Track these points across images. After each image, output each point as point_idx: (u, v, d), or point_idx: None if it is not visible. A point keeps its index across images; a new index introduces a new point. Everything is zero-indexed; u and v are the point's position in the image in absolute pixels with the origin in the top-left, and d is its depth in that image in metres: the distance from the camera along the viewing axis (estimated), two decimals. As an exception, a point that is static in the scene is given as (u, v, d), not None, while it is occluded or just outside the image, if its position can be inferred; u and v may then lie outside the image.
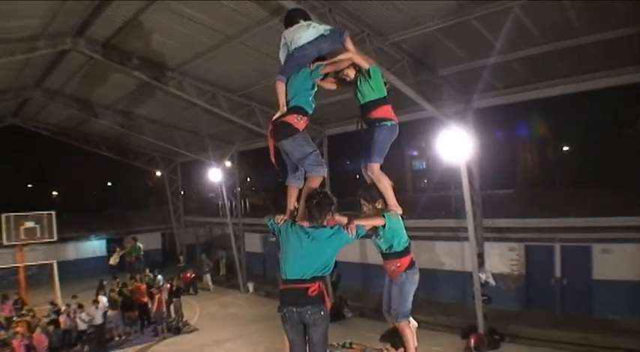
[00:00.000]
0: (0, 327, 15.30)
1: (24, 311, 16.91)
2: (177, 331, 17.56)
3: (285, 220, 4.32)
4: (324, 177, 4.41)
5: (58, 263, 20.21)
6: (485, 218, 15.41)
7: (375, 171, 4.51)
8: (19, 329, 14.26)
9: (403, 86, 11.66)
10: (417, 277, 4.58)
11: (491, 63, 11.46)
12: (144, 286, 18.67)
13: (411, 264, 4.55)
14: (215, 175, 23.69)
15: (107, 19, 11.84)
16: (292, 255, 4.11)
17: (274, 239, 4.41)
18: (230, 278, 25.93)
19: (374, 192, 4.56)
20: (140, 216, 32.94)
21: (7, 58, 12.29)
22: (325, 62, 4.41)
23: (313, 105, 4.36)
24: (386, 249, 4.54)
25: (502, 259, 16.61)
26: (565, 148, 26.23)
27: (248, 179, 37.63)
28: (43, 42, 12.42)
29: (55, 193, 44.08)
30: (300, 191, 4.41)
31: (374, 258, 4.29)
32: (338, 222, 4.21)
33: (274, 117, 4.31)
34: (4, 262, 20.95)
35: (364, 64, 4.46)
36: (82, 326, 15.85)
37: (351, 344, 5.00)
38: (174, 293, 18.48)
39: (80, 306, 16.13)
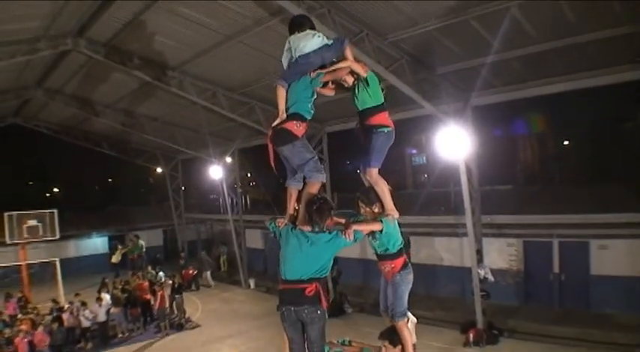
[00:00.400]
0: (4, 325, 15.41)
1: (28, 309, 17.08)
2: (179, 327, 17.67)
3: (286, 224, 4.45)
4: (323, 183, 4.53)
5: (60, 260, 20.33)
6: (485, 214, 15.57)
7: (373, 176, 4.63)
8: (23, 326, 14.38)
9: (402, 85, 11.76)
10: (410, 277, 4.72)
11: (489, 61, 11.54)
12: (146, 283, 18.81)
13: (405, 265, 4.70)
14: (216, 172, 23.80)
15: (108, 20, 11.93)
16: (291, 257, 4.26)
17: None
18: (231, 275, 26.07)
19: (372, 196, 4.68)
20: (141, 213, 33.08)
21: (9, 60, 12.38)
22: (325, 70, 4.50)
23: (312, 112, 4.47)
24: (381, 251, 4.69)
25: (501, 255, 16.75)
26: (565, 144, 26.24)
27: (248, 175, 37.74)
28: (44, 43, 12.52)
29: (56, 190, 44.18)
30: (300, 193, 4.53)
31: (374, 254, 4.42)
32: (336, 222, 4.35)
33: (274, 124, 4.42)
34: (7, 260, 21.11)
35: (362, 72, 4.56)
36: (85, 324, 16.01)
37: (350, 341, 5.12)
38: (176, 290, 18.56)
39: (83, 304, 16.28)
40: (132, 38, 12.87)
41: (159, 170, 31.37)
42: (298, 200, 4.51)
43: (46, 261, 20.62)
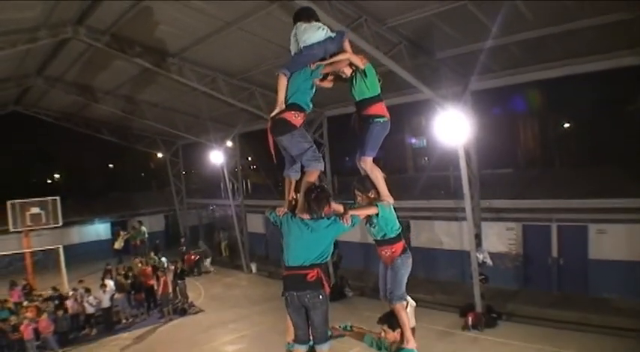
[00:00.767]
0: (10, 312, 15.60)
1: (33, 297, 17.26)
2: (182, 312, 17.91)
3: (285, 212, 4.56)
4: (321, 171, 4.63)
5: (64, 247, 20.48)
6: (485, 198, 15.66)
7: (368, 164, 4.75)
8: (28, 314, 14.58)
9: (401, 70, 11.78)
10: (410, 261, 4.83)
11: (488, 46, 11.52)
12: (149, 269, 19.00)
13: (404, 250, 4.81)
14: (217, 157, 23.87)
15: (107, 8, 11.93)
16: (293, 244, 4.39)
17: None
18: (233, 259, 26.26)
19: (367, 184, 4.80)
20: (143, 199, 33.29)
21: (9, 49, 12.39)
22: (325, 62, 4.60)
23: (311, 106, 4.55)
24: (380, 237, 4.80)
25: (500, 238, 16.86)
26: (566, 126, 26.18)
27: (249, 158, 37.78)
28: (44, 32, 12.54)
29: (57, 176, 44.29)
30: (298, 182, 4.62)
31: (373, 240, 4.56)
32: (335, 209, 4.45)
33: (273, 114, 4.50)
34: (11, 248, 21.33)
35: (360, 64, 4.66)
36: (89, 310, 16.26)
37: (351, 327, 5.21)
38: (179, 276, 18.80)
39: (87, 290, 16.49)
40: (131, 26, 12.85)
41: (160, 155, 31.44)
42: (297, 189, 4.60)
43: (50, 248, 20.77)
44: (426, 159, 30.73)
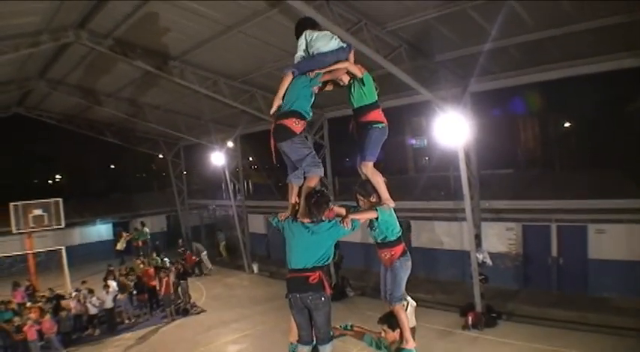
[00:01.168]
0: (13, 313, 15.68)
1: (37, 298, 17.34)
2: (185, 313, 18.02)
3: (287, 217, 4.70)
4: (321, 176, 4.76)
5: (66, 248, 20.57)
6: (486, 199, 15.76)
7: (369, 169, 4.88)
8: (31, 314, 14.66)
9: (400, 72, 11.89)
10: (409, 264, 4.96)
11: (487, 49, 11.61)
12: (152, 269, 19.09)
13: (404, 252, 4.94)
14: (218, 159, 23.94)
15: (109, 12, 12.02)
16: (295, 247, 4.56)
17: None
18: (234, 260, 26.30)
19: (368, 188, 4.93)
20: (145, 200, 33.34)
21: (12, 53, 12.50)
22: (323, 70, 4.74)
23: (311, 114, 4.69)
24: (380, 240, 4.92)
25: (500, 239, 16.93)
26: (565, 127, 26.25)
27: (250, 159, 37.86)
28: (46, 36, 12.65)
29: (59, 177, 44.38)
30: (300, 187, 4.74)
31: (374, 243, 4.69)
32: (336, 212, 4.59)
33: (272, 111, 4.66)
34: (14, 249, 21.39)
35: (358, 73, 4.80)
36: (92, 311, 16.35)
37: (352, 326, 5.31)
38: (181, 276, 18.89)
39: (90, 291, 16.59)
40: (133, 29, 12.93)
41: (161, 156, 31.53)
42: (299, 194, 4.72)
43: (52, 249, 20.88)
44: (427, 158, 30.82)
